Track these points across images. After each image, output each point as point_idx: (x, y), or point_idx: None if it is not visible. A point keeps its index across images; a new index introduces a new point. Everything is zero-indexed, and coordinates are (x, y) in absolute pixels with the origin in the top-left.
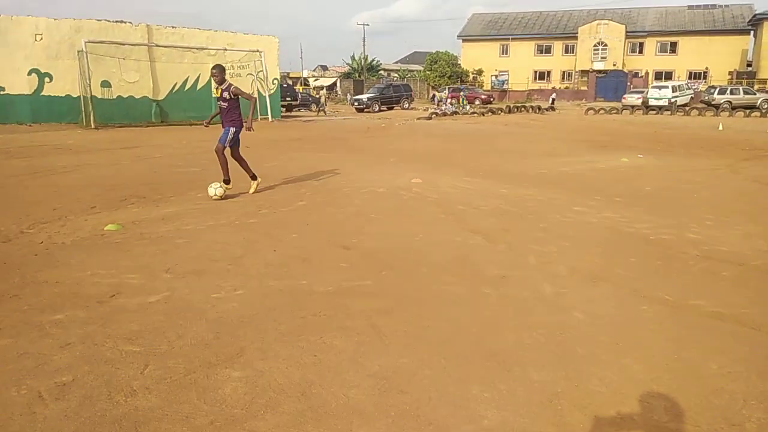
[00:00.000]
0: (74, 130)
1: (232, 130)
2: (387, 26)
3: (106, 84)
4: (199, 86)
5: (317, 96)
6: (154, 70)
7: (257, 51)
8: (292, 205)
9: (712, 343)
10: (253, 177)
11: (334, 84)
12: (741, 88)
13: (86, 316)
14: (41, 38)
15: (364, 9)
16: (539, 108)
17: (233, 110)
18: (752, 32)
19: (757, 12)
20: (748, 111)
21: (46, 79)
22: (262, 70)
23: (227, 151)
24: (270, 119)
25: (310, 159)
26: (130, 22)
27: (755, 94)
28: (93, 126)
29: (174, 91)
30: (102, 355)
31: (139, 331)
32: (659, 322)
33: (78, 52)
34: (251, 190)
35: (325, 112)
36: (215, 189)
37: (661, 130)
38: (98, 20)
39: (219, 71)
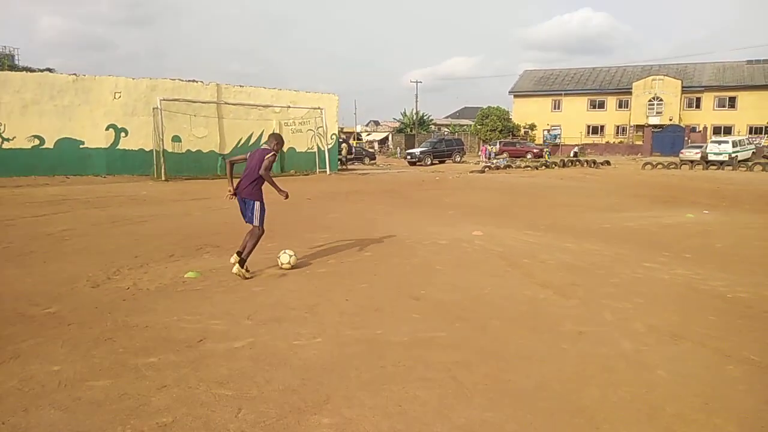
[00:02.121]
0: (146, 182)
1: None
2: (437, 83)
3: (176, 139)
4: (262, 141)
5: (350, 147)
6: (221, 126)
7: (318, 108)
8: (358, 256)
9: None
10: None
11: (386, 138)
12: None
13: (178, 359)
14: (120, 96)
15: (416, 67)
16: (594, 162)
17: None
18: None
19: None
20: None
21: (122, 134)
22: (322, 126)
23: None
24: (328, 172)
25: (369, 211)
26: (202, 81)
27: None
28: (164, 178)
29: (239, 145)
30: (197, 398)
31: (229, 375)
32: (748, 383)
33: (153, 109)
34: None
35: (345, 164)
36: (288, 258)
37: (724, 186)
38: (172, 79)
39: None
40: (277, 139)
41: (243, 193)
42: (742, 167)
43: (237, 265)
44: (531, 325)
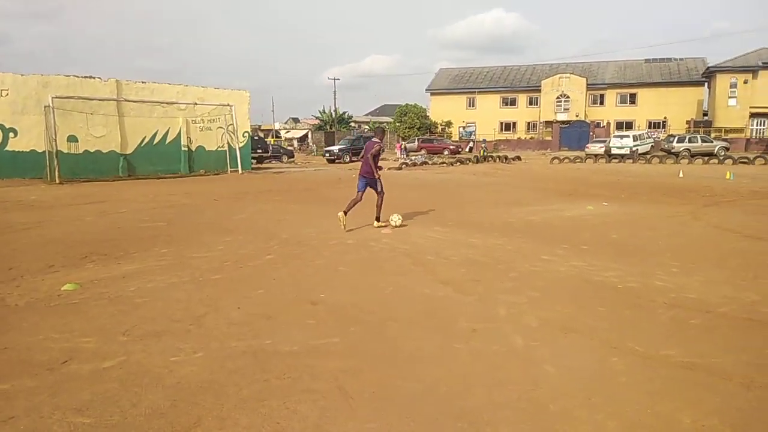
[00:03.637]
0: (38, 186)
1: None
2: (357, 80)
3: (72, 138)
4: (168, 140)
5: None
6: (122, 125)
7: (228, 105)
8: (259, 259)
9: (684, 395)
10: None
11: (306, 136)
12: (699, 136)
13: (34, 385)
14: (7, 94)
15: (336, 64)
16: (506, 158)
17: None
18: (706, 84)
19: (709, 65)
20: (706, 158)
21: (11, 135)
22: (232, 124)
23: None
24: (240, 171)
25: (280, 211)
26: (100, 78)
27: (712, 142)
28: (58, 181)
29: (142, 145)
30: (48, 429)
31: (91, 400)
32: (631, 375)
33: (45, 107)
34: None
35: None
36: (397, 219)
37: (624, 178)
38: (66, 76)
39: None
40: (381, 131)
41: (363, 173)
42: (642, 160)
43: (375, 221)
44: (427, 325)
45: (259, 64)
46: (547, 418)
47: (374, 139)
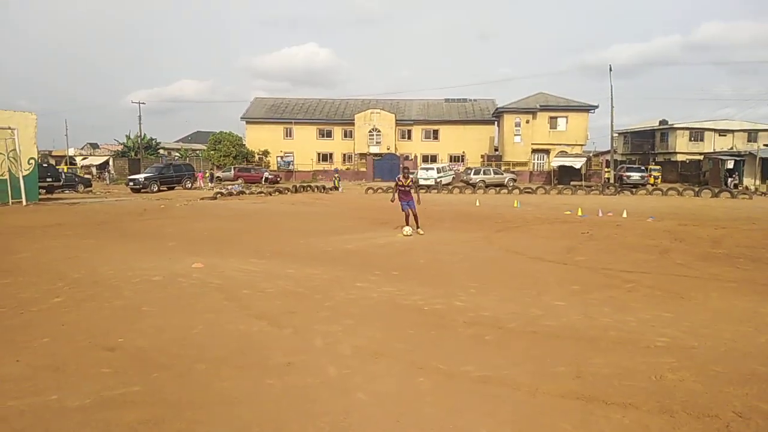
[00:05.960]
0: None
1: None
2: (165, 105)
3: None
4: None
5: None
6: None
7: (9, 128)
8: (44, 304)
9: (481, 408)
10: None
11: (106, 163)
12: (492, 169)
13: None
14: None
15: (140, 87)
16: (324, 187)
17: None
18: (496, 122)
19: (498, 106)
20: (498, 188)
21: None
22: (14, 149)
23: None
24: (24, 203)
25: (72, 247)
26: None
27: (503, 174)
28: None
29: None
30: None
31: None
32: (435, 393)
33: None
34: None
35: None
36: (408, 230)
37: (431, 207)
38: None
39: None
40: (406, 170)
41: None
42: (445, 190)
43: (409, 228)
44: (240, 363)
45: (51, 84)
46: None
47: (398, 177)
